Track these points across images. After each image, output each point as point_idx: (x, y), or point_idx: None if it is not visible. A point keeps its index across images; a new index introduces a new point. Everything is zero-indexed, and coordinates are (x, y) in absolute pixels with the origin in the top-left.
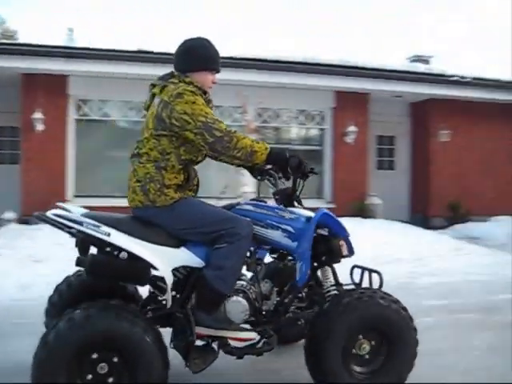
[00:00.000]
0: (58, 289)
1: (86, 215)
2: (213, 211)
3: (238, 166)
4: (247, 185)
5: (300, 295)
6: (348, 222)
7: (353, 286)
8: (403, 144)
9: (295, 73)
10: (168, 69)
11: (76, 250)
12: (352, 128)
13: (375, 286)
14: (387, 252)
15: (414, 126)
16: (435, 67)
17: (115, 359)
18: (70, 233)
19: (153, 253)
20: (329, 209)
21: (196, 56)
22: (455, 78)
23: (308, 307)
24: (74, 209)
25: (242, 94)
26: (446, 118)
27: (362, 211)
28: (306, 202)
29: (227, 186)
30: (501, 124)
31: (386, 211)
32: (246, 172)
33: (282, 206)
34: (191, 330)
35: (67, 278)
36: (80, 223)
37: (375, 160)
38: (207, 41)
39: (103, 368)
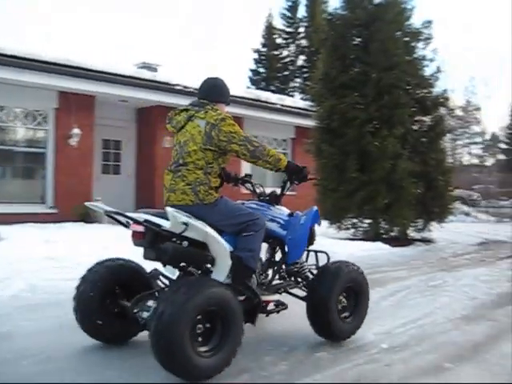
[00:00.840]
0: (96, 272)
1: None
2: (241, 207)
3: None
4: None
5: (281, 270)
6: (71, 228)
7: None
8: (129, 148)
9: (13, 68)
10: None
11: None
12: (76, 131)
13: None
14: (106, 256)
15: (140, 131)
16: (162, 75)
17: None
18: (145, 226)
19: None
20: (50, 214)
21: (221, 92)
22: (179, 87)
23: (282, 279)
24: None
25: None
26: None
27: (86, 216)
28: (27, 207)
29: None
30: None
31: None
32: None
33: (269, 205)
34: (256, 295)
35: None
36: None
37: (101, 164)
38: (223, 80)
39: (200, 328)
